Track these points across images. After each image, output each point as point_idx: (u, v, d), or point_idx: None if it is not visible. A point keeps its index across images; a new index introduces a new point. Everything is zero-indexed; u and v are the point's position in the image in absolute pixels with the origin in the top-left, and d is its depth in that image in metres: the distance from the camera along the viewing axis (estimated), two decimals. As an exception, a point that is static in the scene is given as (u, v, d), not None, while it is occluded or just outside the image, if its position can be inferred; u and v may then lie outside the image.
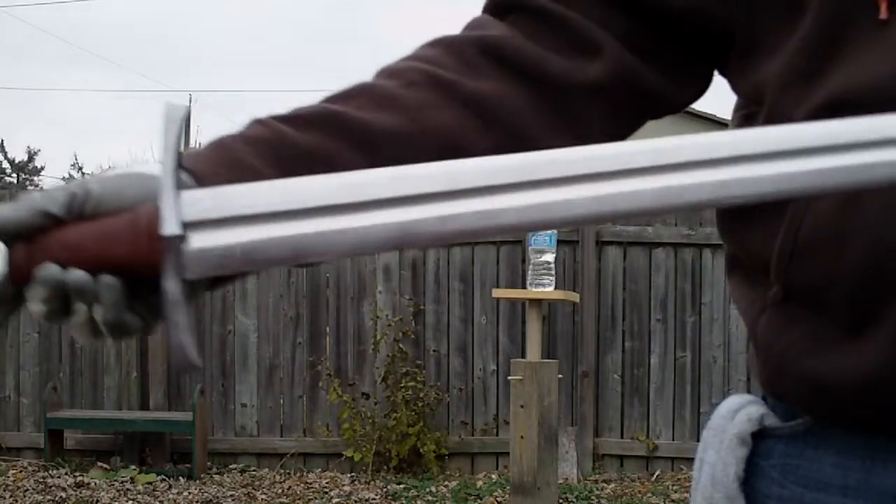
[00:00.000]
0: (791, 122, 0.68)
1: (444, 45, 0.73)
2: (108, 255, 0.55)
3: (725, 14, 0.74)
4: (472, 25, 0.75)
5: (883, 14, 0.65)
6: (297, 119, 0.66)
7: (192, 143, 27.10)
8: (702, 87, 0.80)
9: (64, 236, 0.56)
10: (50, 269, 0.55)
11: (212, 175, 0.60)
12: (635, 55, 0.74)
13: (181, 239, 0.55)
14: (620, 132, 0.77)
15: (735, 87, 0.77)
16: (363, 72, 0.71)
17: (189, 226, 0.55)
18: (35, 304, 0.56)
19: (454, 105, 0.69)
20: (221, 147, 0.64)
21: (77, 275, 0.55)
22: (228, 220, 0.56)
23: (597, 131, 0.73)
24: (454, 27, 0.75)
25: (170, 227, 0.54)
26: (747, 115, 0.74)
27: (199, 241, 0.55)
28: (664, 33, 0.75)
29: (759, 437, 0.71)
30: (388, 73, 0.71)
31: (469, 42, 0.73)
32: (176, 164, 0.57)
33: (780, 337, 0.69)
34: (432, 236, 0.56)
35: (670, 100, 0.78)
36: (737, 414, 0.72)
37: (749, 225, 0.72)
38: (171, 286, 0.55)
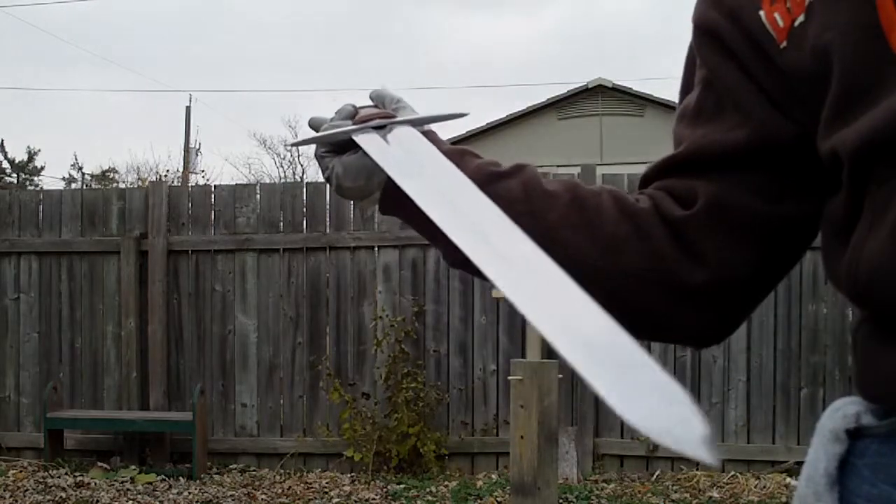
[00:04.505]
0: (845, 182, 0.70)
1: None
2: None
3: (787, 124, 0.77)
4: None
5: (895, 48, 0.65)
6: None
7: (191, 143, 27.07)
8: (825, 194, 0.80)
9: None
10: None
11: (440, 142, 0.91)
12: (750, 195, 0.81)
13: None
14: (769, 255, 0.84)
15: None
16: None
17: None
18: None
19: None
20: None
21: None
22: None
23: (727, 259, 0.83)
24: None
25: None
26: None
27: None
28: (767, 175, 0.80)
29: (857, 437, 0.72)
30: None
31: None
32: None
33: (875, 341, 0.71)
34: None
35: (803, 220, 0.82)
36: (836, 412, 0.74)
37: (835, 258, 0.74)
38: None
